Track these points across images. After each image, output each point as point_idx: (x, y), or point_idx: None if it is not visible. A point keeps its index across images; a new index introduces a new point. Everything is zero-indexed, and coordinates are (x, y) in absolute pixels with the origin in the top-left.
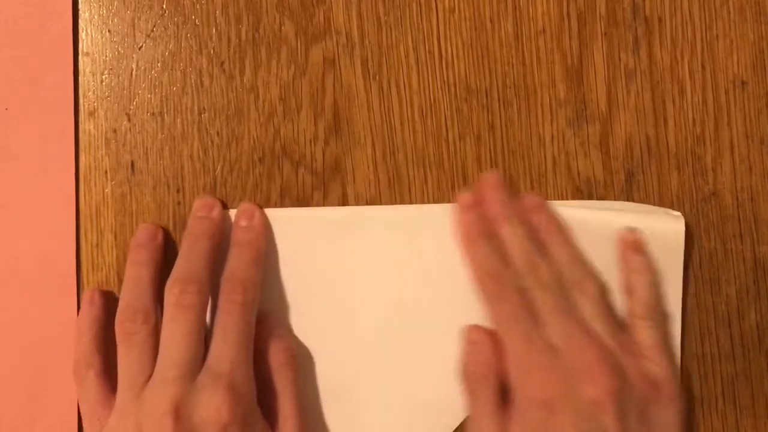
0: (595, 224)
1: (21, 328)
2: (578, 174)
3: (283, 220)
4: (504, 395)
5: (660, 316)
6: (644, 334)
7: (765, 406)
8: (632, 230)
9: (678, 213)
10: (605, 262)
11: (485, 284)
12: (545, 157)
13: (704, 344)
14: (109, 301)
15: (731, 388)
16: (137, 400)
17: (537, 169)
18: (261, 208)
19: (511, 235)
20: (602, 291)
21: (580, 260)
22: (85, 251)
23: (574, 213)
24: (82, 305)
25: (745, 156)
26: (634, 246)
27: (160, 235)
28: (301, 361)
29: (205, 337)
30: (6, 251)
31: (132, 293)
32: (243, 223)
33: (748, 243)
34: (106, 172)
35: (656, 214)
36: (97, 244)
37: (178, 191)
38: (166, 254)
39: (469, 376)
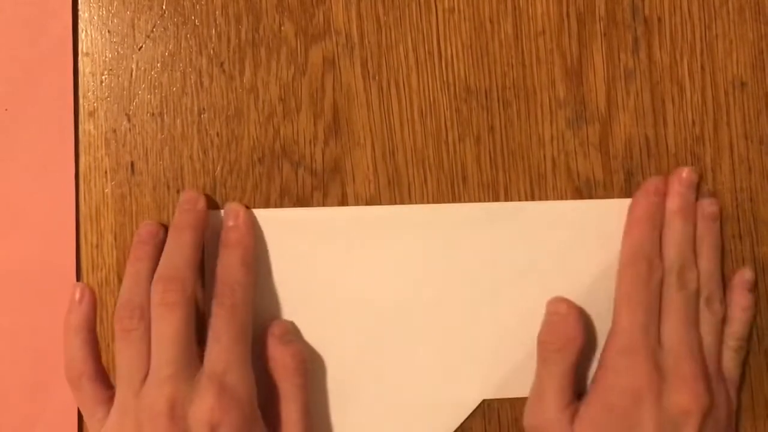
0: (580, 217)
1: (21, 329)
2: (578, 174)
3: (283, 221)
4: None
5: (744, 353)
6: (730, 365)
7: (765, 406)
8: (748, 270)
9: None
10: (606, 253)
11: (637, 264)
12: (545, 157)
13: None
14: (94, 298)
15: None
16: (136, 398)
17: (537, 169)
18: (247, 207)
19: (678, 232)
20: (723, 316)
21: (719, 280)
22: (85, 251)
23: (577, 206)
24: (70, 303)
25: (744, 156)
26: (749, 285)
27: (161, 233)
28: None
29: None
30: (6, 251)
31: (131, 289)
32: (230, 222)
33: (748, 243)
34: (106, 172)
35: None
36: (97, 245)
37: (178, 192)
38: None
39: (546, 346)
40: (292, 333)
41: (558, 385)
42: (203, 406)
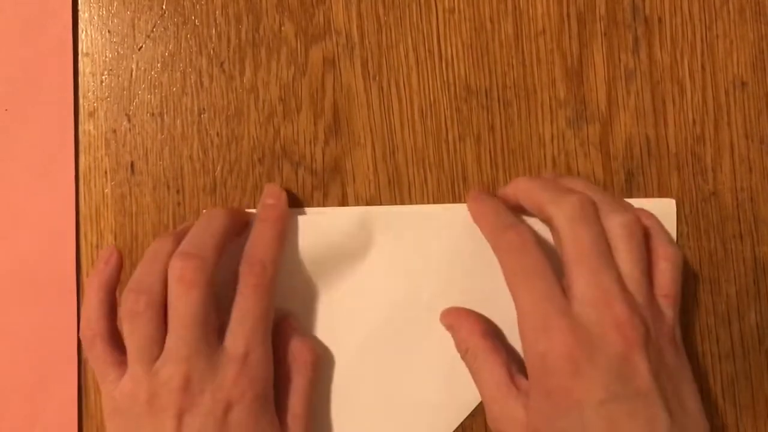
0: None
1: (21, 328)
2: (578, 174)
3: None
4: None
5: (679, 259)
6: (663, 278)
7: (765, 406)
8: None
9: (670, 199)
10: None
11: (504, 234)
12: (545, 157)
13: (704, 344)
14: (119, 263)
15: (731, 388)
16: (149, 372)
17: (537, 169)
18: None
19: (529, 183)
20: (637, 223)
21: (610, 195)
22: (85, 251)
23: None
24: (96, 263)
25: (744, 156)
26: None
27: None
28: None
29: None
30: (6, 251)
31: (146, 269)
32: (269, 201)
33: (748, 243)
34: (105, 172)
35: (648, 201)
36: (97, 245)
37: (178, 192)
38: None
39: (461, 357)
40: (303, 329)
41: (488, 382)
42: (223, 384)
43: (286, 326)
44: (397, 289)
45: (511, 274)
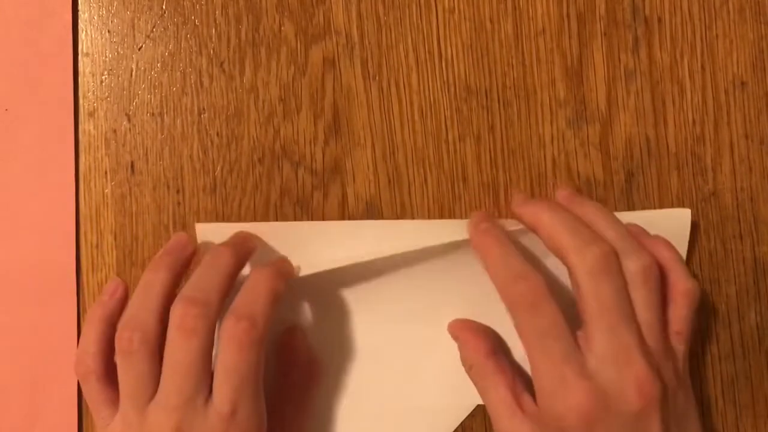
0: None
1: (21, 329)
2: (578, 174)
3: (284, 233)
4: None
5: (695, 293)
6: (678, 313)
7: (765, 406)
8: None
9: (686, 209)
10: None
11: (515, 287)
12: (545, 157)
13: (704, 344)
14: (126, 297)
15: (731, 388)
16: (140, 415)
17: (537, 169)
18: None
19: (552, 219)
20: (652, 264)
21: (628, 234)
22: (85, 252)
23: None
24: (101, 295)
25: (744, 156)
26: (691, 295)
27: (190, 246)
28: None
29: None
30: (6, 251)
31: (140, 303)
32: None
33: (748, 243)
34: (105, 172)
35: (662, 212)
36: (97, 245)
37: (178, 192)
38: None
39: (467, 371)
40: (305, 339)
41: (494, 401)
42: None
43: (288, 336)
44: (398, 294)
45: (524, 332)
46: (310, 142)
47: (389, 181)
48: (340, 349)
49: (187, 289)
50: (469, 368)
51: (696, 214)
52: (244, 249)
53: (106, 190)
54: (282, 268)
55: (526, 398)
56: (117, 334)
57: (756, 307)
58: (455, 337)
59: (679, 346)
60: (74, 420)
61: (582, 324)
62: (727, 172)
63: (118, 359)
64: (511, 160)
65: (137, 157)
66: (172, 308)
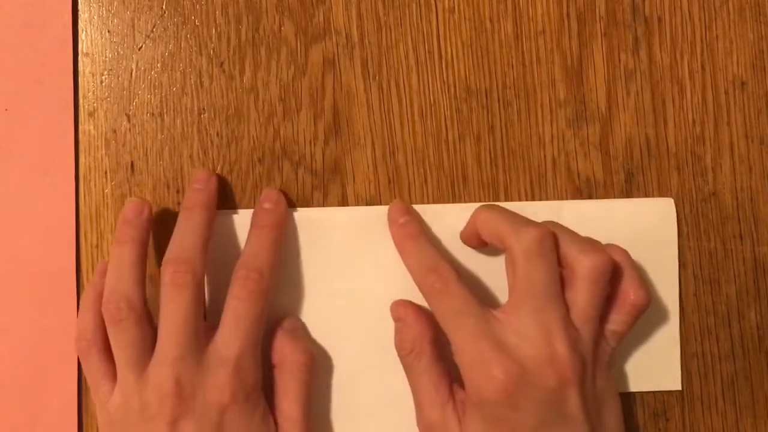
0: (586, 217)
1: (21, 329)
2: (578, 174)
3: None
4: (446, 368)
5: (643, 301)
6: (620, 318)
7: (765, 406)
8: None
9: (668, 198)
10: None
11: (426, 279)
12: (545, 157)
13: (704, 344)
14: None
15: (731, 388)
16: (140, 379)
17: (537, 169)
18: (284, 193)
19: (490, 211)
20: (599, 263)
21: (571, 231)
22: (85, 251)
23: (566, 207)
24: (94, 276)
25: (744, 156)
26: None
27: (146, 210)
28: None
29: (206, 312)
30: (6, 251)
31: (116, 276)
32: (266, 205)
33: (748, 243)
34: (105, 172)
35: (646, 202)
36: (97, 245)
37: (177, 192)
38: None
39: (400, 353)
40: (302, 330)
41: (427, 385)
42: (215, 387)
43: (278, 330)
44: (398, 288)
45: (441, 317)
46: (310, 142)
47: (389, 181)
48: (339, 345)
49: (171, 251)
50: (408, 351)
51: (696, 214)
52: (211, 198)
53: (106, 190)
54: (279, 219)
55: (459, 390)
56: (103, 308)
57: (756, 307)
58: (398, 318)
59: (612, 343)
60: (74, 420)
61: (509, 302)
62: (727, 172)
63: (110, 330)
64: (511, 160)
65: (137, 157)
66: (162, 269)
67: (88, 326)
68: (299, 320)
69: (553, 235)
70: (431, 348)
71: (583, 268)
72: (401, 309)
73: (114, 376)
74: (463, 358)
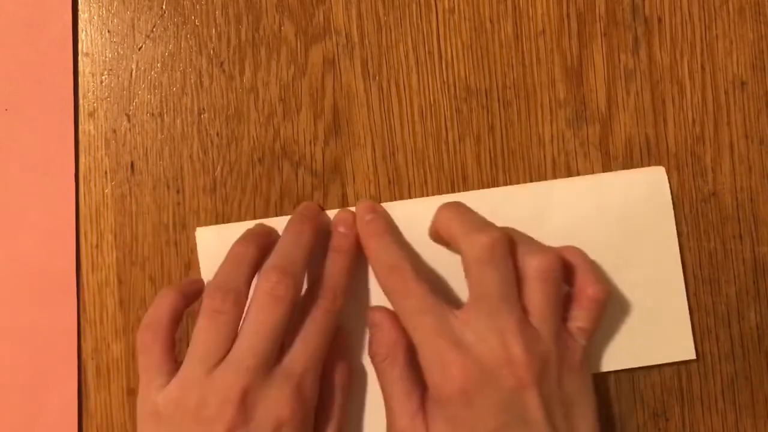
0: (579, 193)
1: (21, 329)
2: (578, 174)
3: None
4: (418, 377)
5: (602, 296)
6: (582, 313)
7: (765, 406)
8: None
9: (659, 167)
10: (593, 227)
11: (387, 278)
12: (545, 157)
13: (704, 344)
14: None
15: (731, 388)
16: (207, 377)
17: (537, 169)
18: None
19: (448, 211)
20: (554, 262)
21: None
22: (85, 251)
23: (556, 187)
24: (186, 280)
25: (744, 156)
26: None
27: (274, 233)
28: None
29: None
30: (6, 251)
31: (231, 270)
32: (341, 229)
33: (748, 243)
34: (105, 172)
35: (636, 173)
36: (97, 245)
37: (177, 192)
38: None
39: (375, 359)
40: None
41: (399, 393)
42: (276, 402)
43: (337, 344)
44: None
45: (402, 317)
46: (310, 142)
47: (389, 181)
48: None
49: (278, 259)
50: (383, 357)
51: (696, 214)
52: (321, 224)
53: (106, 190)
54: (353, 244)
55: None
56: (207, 294)
57: (756, 307)
58: (373, 324)
59: (581, 340)
60: (74, 420)
61: (467, 304)
62: (727, 172)
63: (203, 319)
64: (511, 160)
65: (137, 157)
66: (262, 274)
67: (162, 318)
68: (345, 330)
69: (506, 241)
70: (405, 355)
71: (531, 268)
72: (377, 315)
73: (170, 373)
74: (423, 356)
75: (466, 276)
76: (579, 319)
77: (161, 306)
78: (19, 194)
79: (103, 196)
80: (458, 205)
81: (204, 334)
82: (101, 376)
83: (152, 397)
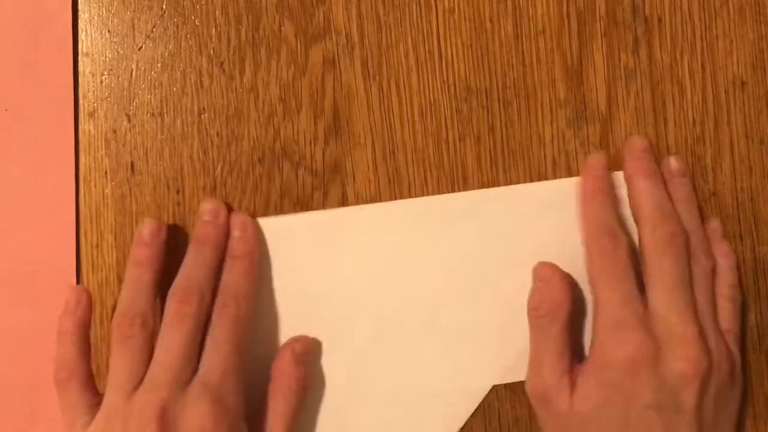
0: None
1: (21, 329)
2: (578, 174)
3: (277, 229)
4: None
5: (740, 299)
6: (726, 315)
7: (765, 406)
8: (713, 219)
9: None
10: None
11: (600, 239)
12: (545, 157)
13: None
14: (90, 301)
15: None
16: (127, 402)
17: (537, 169)
18: (254, 218)
19: (646, 189)
20: (713, 268)
21: (702, 235)
22: (85, 251)
23: (554, 187)
24: (67, 305)
25: (745, 156)
26: (719, 232)
27: (163, 233)
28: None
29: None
30: (6, 251)
31: (132, 295)
32: (236, 233)
33: (748, 243)
34: (106, 172)
35: None
36: (97, 245)
37: (178, 192)
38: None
39: (534, 313)
40: (310, 355)
41: (553, 350)
42: (196, 414)
43: (286, 348)
44: (399, 282)
45: (596, 273)
46: (310, 142)
47: (389, 181)
48: (345, 344)
49: (182, 280)
50: (545, 313)
51: None
52: (224, 238)
53: (106, 190)
54: (252, 247)
55: (576, 363)
56: (115, 322)
57: (756, 307)
58: (542, 278)
59: (732, 346)
60: None
61: (645, 291)
62: (727, 172)
63: (115, 347)
64: (511, 160)
65: (137, 157)
66: (169, 296)
67: (69, 355)
68: (311, 341)
69: (685, 235)
70: (567, 316)
71: (696, 268)
72: (548, 269)
73: (93, 407)
74: (601, 318)
75: (643, 259)
76: (723, 320)
77: (64, 343)
78: (19, 194)
79: (104, 196)
80: (655, 186)
81: (118, 360)
82: (101, 376)
83: None
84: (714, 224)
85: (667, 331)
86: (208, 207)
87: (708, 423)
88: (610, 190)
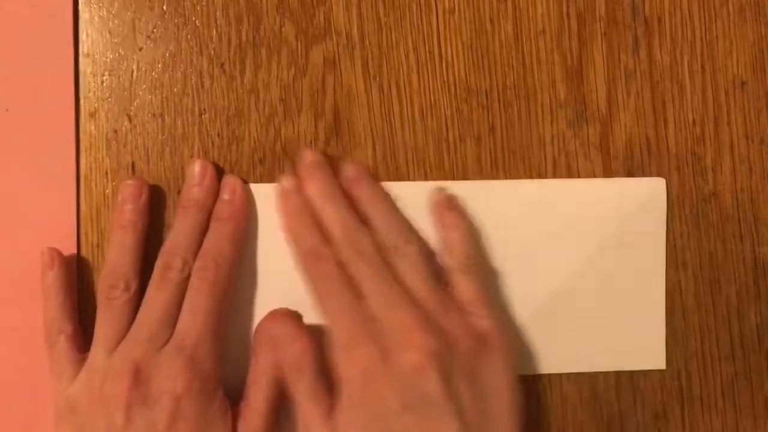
0: (577, 196)
1: (21, 329)
2: (578, 174)
3: (270, 196)
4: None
5: (479, 268)
6: (464, 287)
7: (765, 406)
8: (441, 189)
9: (660, 178)
10: (586, 231)
11: (306, 264)
12: (545, 157)
13: (704, 344)
14: (69, 260)
15: (731, 388)
16: (108, 358)
17: (537, 170)
18: (246, 183)
19: (330, 213)
20: (422, 252)
21: (399, 225)
22: (86, 251)
23: (555, 186)
24: (42, 269)
25: (745, 156)
26: (446, 203)
27: (144, 194)
28: None
29: None
30: (6, 251)
31: (116, 258)
32: (225, 196)
33: (748, 243)
34: (106, 173)
35: (638, 182)
36: (98, 245)
37: (178, 192)
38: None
39: (285, 369)
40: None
41: (314, 396)
42: (169, 375)
43: (275, 326)
44: None
45: (317, 301)
46: (311, 143)
47: (390, 181)
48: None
49: (168, 243)
50: (297, 370)
51: (696, 214)
52: (212, 201)
53: (107, 191)
54: (239, 210)
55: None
56: (100, 285)
57: (756, 307)
58: (276, 337)
59: (480, 313)
60: None
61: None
62: (727, 172)
63: (100, 308)
64: (512, 161)
65: (138, 157)
66: (158, 259)
67: (57, 314)
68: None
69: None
70: (313, 366)
71: (410, 259)
72: (280, 326)
73: (79, 362)
74: (333, 342)
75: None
76: (461, 291)
77: (52, 302)
78: (19, 194)
79: (104, 197)
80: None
81: (102, 320)
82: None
83: (64, 392)
84: (438, 196)
85: (389, 329)
86: (194, 170)
87: (468, 404)
88: (304, 205)
